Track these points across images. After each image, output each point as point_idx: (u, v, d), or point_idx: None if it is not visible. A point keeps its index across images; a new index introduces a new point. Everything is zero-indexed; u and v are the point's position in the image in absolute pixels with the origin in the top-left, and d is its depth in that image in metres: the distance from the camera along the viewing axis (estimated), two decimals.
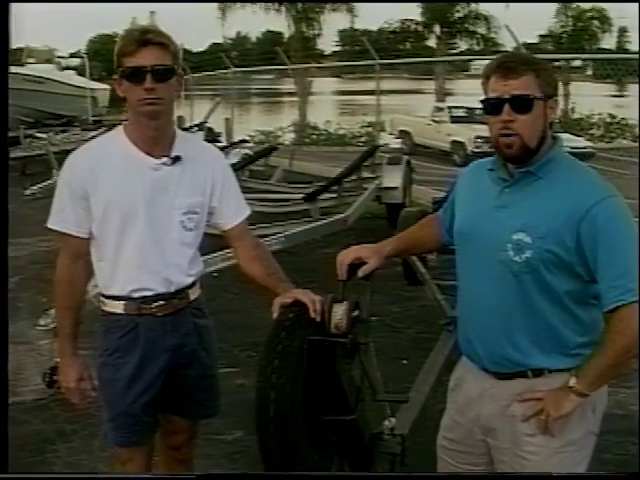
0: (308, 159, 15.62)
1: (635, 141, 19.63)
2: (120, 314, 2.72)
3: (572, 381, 2.25)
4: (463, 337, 2.52)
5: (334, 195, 9.02)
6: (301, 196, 8.49)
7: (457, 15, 32.34)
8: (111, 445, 2.87)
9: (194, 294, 2.84)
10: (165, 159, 2.68)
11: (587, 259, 2.22)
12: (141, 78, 2.54)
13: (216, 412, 3.03)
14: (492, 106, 2.28)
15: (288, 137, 22.01)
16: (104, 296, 2.77)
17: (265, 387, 2.37)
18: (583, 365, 2.26)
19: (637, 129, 20.07)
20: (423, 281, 5.56)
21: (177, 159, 2.70)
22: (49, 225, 2.73)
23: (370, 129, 22.64)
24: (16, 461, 4.15)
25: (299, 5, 29.65)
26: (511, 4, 31.41)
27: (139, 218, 2.66)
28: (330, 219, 7.86)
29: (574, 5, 34.18)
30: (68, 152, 2.95)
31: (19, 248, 9.07)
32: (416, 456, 2.99)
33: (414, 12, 33.61)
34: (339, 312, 2.47)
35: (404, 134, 21.43)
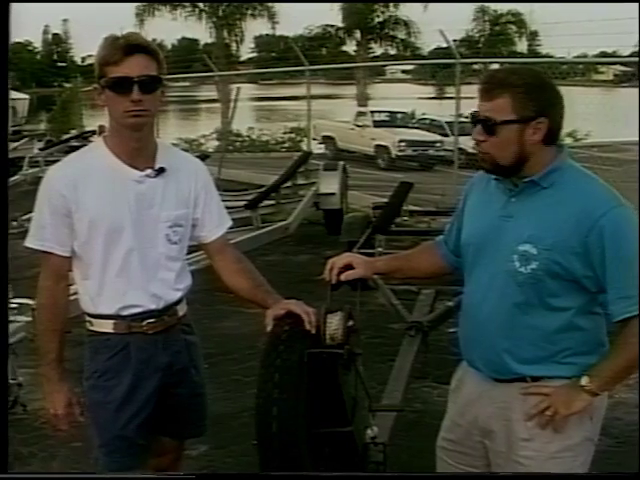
0: (235, 166, 15.44)
1: None
2: (109, 333, 2.62)
3: (584, 380, 2.24)
4: (463, 342, 2.51)
5: (272, 202, 8.99)
6: (242, 204, 8.39)
7: (377, 20, 32.72)
8: (102, 471, 2.75)
9: (182, 310, 2.76)
10: (149, 171, 2.60)
11: (595, 269, 2.20)
12: (127, 89, 2.44)
13: (204, 431, 2.95)
14: (472, 122, 2.31)
15: (211, 145, 21.65)
16: (90, 315, 2.66)
17: (267, 403, 2.31)
18: (597, 365, 2.26)
19: None
20: (376, 286, 5.48)
21: (161, 171, 2.61)
22: (27, 244, 2.59)
23: (293, 135, 22.54)
24: None
25: (220, 12, 29.43)
26: (429, 8, 32.06)
27: (125, 233, 2.57)
28: (273, 226, 7.81)
29: (492, 10, 34.96)
30: None
31: None
32: (394, 464, 2.99)
33: (335, 18, 33.80)
34: (334, 323, 2.44)
35: (328, 139, 21.44)
